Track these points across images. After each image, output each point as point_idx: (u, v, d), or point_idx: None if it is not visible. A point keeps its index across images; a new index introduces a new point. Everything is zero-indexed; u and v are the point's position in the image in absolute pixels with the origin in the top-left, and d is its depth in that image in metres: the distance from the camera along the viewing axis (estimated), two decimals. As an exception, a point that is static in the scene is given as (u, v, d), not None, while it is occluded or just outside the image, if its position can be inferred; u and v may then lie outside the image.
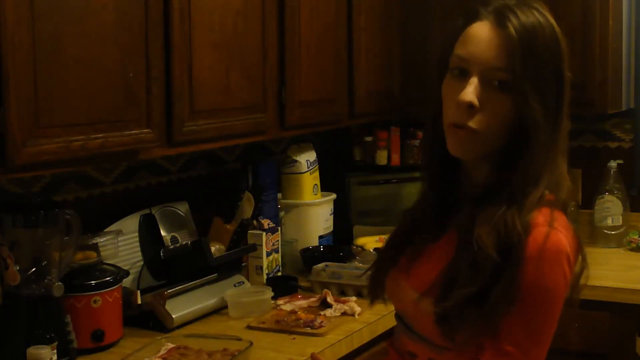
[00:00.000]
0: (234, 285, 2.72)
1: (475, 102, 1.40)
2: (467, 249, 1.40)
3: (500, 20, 1.41)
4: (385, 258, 1.61)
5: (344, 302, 2.65)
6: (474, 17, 1.44)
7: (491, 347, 1.38)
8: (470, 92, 1.40)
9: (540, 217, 1.39)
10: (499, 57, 1.40)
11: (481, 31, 1.42)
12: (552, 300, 1.39)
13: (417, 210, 1.59)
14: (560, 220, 1.41)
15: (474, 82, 1.40)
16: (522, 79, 1.38)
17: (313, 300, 2.70)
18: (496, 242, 1.37)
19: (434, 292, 1.42)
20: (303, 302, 2.69)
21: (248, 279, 2.84)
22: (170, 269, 2.63)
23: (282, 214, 3.15)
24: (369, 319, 2.56)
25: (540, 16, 1.43)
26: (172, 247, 2.68)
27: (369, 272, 1.63)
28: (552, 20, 1.44)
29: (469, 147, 1.44)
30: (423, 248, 1.53)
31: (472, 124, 1.41)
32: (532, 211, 1.39)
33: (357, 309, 2.59)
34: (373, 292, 1.63)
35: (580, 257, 1.45)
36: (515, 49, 1.38)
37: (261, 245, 2.88)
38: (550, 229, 1.38)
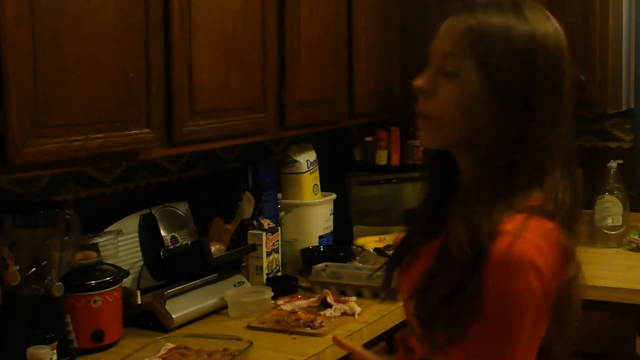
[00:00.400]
0: (234, 285, 2.72)
1: (422, 85, 1.42)
2: (447, 249, 1.39)
3: (457, 13, 1.43)
4: (393, 257, 1.62)
5: (344, 302, 2.65)
6: (444, 16, 1.48)
7: (460, 353, 1.37)
8: (420, 78, 1.43)
9: (510, 224, 1.34)
10: (447, 43, 1.42)
11: (442, 26, 1.45)
12: (514, 312, 1.33)
13: (419, 209, 1.60)
14: (536, 228, 1.35)
15: (427, 69, 1.44)
16: (465, 66, 1.39)
17: (313, 300, 2.70)
18: (466, 244, 1.35)
19: (416, 294, 1.42)
20: (303, 302, 2.69)
21: (248, 279, 2.84)
22: (170, 269, 2.63)
23: (282, 214, 3.15)
24: (369, 319, 2.56)
25: (512, 16, 1.41)
26: (172, 247, 2.68)
27: (380, 272, 1.64)
28: (535, 24, 1.41)
29: (428, 135, 1.45)
30: (420, 247, 1.54)
31: (423, 108, 1.43)
32: (501, 216, 1.35)
33: (357, 309, 2.59)
34: (385, 290, 1.64)
35: (571, 265, 1.38)
36: (458, 35, 1.40)
37: (261, 245, 2.88)
38: (515, 238, 1.32)
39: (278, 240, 2.97)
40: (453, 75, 1.40)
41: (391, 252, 1.68)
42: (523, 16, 1.42)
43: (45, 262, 2.16)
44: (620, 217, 3.40)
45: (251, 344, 2.22)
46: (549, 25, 1.43)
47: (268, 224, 2.93)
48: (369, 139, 3.64)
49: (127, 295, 2.43)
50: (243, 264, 2.89)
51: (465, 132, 1.42)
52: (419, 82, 1.43)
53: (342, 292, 2.78)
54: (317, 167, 3.25)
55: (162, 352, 2.22)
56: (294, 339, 2.40)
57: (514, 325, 1.34)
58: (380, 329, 2.57)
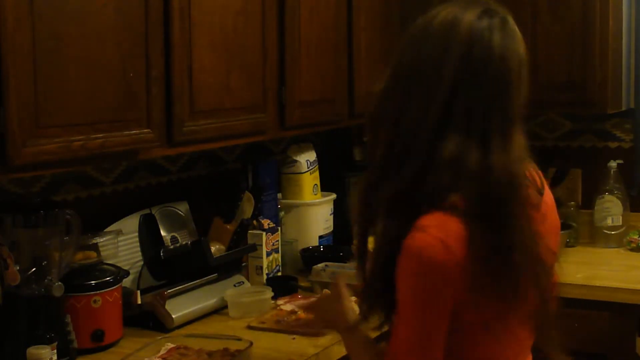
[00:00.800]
0: (234, 285, 2.72)
1: None
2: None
3: None
4: None
5: (344, 302, 2.64)
6: None
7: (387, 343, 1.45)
8: None
9: (424, 220, 1.40)
10: None
11: None
12: (417, 309, 1.39)
13: None
14: (445, 224, 1.39)
15: None
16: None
17: (313, 300, 2.70)
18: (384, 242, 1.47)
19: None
20: (303, 302, 2.69)
21: (248, 279, 2.84)
22: (170, 269, 2.63)
23: (282, 214, 3.16)
24: (369, 319, 2.55)
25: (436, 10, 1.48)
26: (172, 247, 2.68)
27: None
28: (444, 12, 1.47)
29: None
30: None
31: None
32: (408, 210, 1.42)
33: (357, 309, 2.58)
34: None
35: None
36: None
37: (261, 245, 2.88)
38: (420, 232, 1.38)
39: (278, 240, 2.97)
40: None
41: None
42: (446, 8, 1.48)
43: (45, 262, 2.16)
44: (620, 217, 3.40)
45: (251, 344, 2.22)
46: (464, 15, 1.45)
47: (268, 224, 2.93)
48: (369, 139, 3.63)
49: (127, 295, 2.43)
50: (243, 264, 2.89)
51: None
52: None
53: (342, 292, 2.78)
54: (317, 167, 3.25)
55: (162, 352, 2.22)
56: (294, 339, 2.40)
57: (418, 320, 1.39)
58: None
